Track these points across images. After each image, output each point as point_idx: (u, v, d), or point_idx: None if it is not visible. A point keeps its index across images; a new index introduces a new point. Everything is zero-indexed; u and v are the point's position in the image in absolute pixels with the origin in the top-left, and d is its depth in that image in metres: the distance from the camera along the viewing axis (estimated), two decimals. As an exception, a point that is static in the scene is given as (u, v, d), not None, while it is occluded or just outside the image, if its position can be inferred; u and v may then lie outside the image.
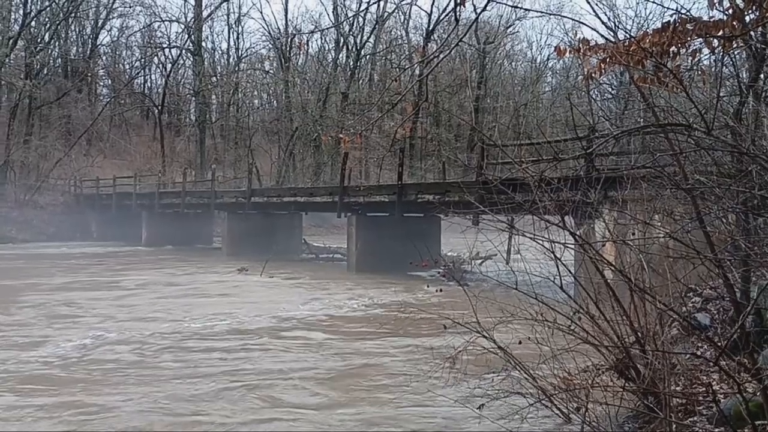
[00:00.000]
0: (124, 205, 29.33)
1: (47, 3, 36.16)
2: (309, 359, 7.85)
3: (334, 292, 14.06)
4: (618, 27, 27.40)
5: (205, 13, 41.97)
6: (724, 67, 5.94)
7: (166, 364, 7.55)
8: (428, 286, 10.26)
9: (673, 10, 4.27)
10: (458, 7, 3.84)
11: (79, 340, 8.70)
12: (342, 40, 41.14)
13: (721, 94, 5.84)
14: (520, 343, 4.80)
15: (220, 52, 47.72)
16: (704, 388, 4.43)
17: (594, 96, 25.83)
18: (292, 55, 40.34)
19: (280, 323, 10.29)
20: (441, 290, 8.58)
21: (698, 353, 4.91)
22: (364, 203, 18.33)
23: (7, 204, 30.62)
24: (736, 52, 6.51)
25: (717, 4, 3.69)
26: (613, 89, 28.27)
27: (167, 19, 43.69)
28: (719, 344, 4.07)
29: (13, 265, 19.33)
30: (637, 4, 41.84)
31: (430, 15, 38.62)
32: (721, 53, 4.25)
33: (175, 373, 7.10)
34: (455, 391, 5.35)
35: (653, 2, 7.01)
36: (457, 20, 4.22)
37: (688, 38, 3.81)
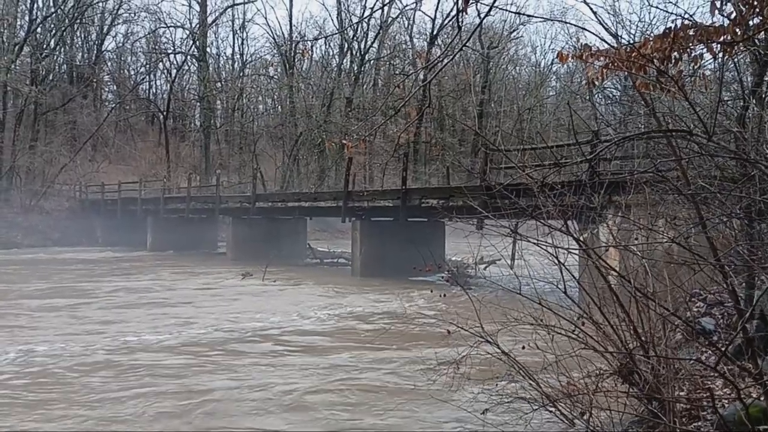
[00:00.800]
0: (129, 211, 29.40)
1: (53, 9, 36.42)
2: (292, 367, 7.79)
3: (334, 296, 14.04)
4: (621, 33, 27.39)
5: (209, 19, 42.21)
6: (728, 72, 5.96)
7: (91, 383, 6.95)
8: (432, 291, 10.21)
9: (676, 15, 4.29)
10: (460, 14, 3.85)
11: (5, 354, 8.08)
12: (346, 46, 41.24)
13: (725, 99, 5.85)
14: (523, 348, 4.80)
15: (224, 57, 48.02)
16: (708, 394, 4.42)
17: (597, 101, 25.88)
18: (296, 60, 40.43)
19: (265, 331, 10.00)
20: (445, 295, 8.56)
21: (702, 358, 4.90)
22: (369, 208, 18.36)
23: (12, 209, 30.77)
24: (739, 57, 6.52)
25: (719, 10, 3.69)
26: (616, 94, 28.24)
27: (172, 25, 43.96)
28: (721, 349, 4.07)
29: (1, 271, 18.81)
30: (641, 9, 41.83)
31: (434, 20, 38.61)
32: (724, 59, 4.25)
33: (99, 393, 6.56)
34: (459, 395, 5.36)
35: (656, 8, 7.03)
36: (459, 27, 4.24)
37: (690, 44, 3.81)
